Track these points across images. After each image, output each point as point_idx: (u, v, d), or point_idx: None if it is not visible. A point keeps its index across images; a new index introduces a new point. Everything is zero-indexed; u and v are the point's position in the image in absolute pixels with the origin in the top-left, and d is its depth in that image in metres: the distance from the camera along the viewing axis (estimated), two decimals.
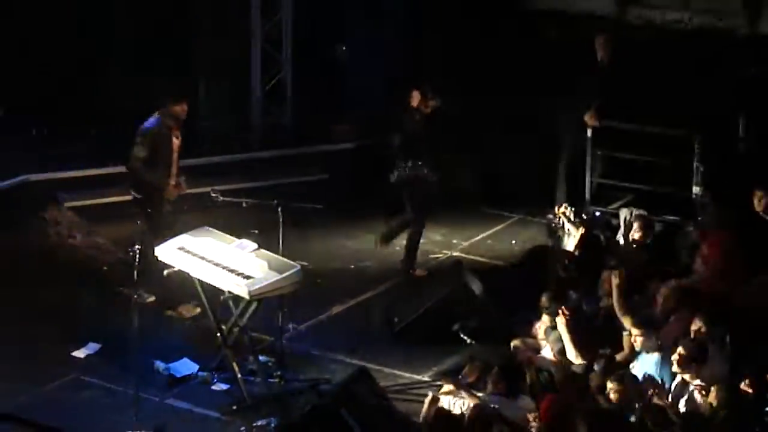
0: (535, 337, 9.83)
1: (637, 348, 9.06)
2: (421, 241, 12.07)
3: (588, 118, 12.51)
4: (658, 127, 12.29)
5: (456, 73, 14.01)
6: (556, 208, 11.31)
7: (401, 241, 11.96)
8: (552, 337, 9.53)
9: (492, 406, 8.47)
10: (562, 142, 12.93)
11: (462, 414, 8.50)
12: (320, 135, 14.33)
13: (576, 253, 10.80)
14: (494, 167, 13.68)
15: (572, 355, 9.23)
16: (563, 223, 11.22)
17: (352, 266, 12.00)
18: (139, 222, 10.76)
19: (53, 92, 13.81)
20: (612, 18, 13.19)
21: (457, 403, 8.69)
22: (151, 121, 10.78)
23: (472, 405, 8.48)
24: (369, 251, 12.16)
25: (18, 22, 13.79)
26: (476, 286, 10.45)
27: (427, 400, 8.69)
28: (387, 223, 12.07)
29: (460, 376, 9.06)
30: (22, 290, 11.12)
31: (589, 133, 12.55)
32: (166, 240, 9.91)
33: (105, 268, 11.57)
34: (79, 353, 10.02)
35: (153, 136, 10.71)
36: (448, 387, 8.88)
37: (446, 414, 8.48)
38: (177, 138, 10.85)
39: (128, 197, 12.64)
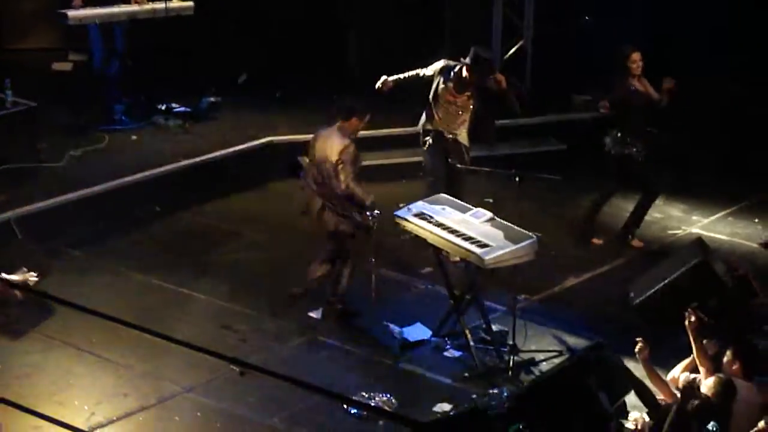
0: None
1: None
2: (658, 215, 11.85)
3: None
4: None
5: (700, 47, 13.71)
6: None
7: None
8: None
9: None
10: None
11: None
12: (560, 104, 14.20)
13: None
14: (738, 144, 13.32)
15: None
16: None
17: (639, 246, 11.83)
18: None
19: (300, 55, 14.11)
20: None
21: (692, 378, 8.46)
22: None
23: (712, 379, 8.19)
24: (606, 225, 12.00)
25: None
26: (718, 265, 10.17)
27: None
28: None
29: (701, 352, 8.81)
30: (263, 249, 11.43)
31: None
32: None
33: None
34: (317, 314, 10.19)
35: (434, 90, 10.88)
36: (684, 362, 8.67)
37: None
38: (454, 96, 10.87)
39: (367, 162, 12.95)
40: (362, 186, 9.77)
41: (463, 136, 10.97)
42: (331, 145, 9.71)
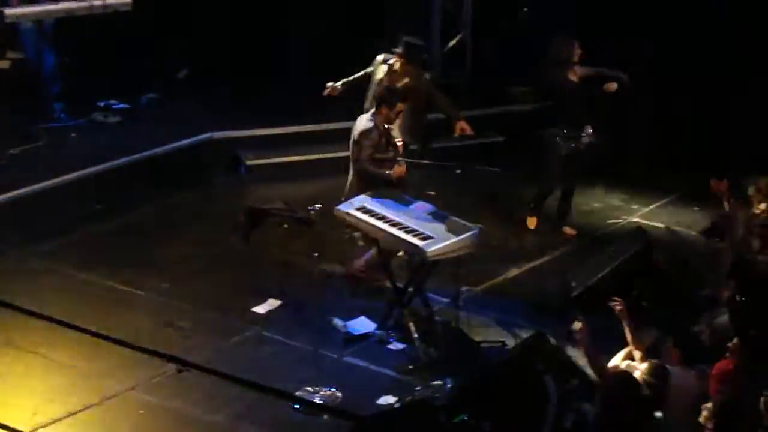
0: None
1: None
2: (598, 205, 12.01)
3: None
4: None
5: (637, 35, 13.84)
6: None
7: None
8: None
9: None
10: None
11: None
12: (498, 97, 14.27)
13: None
14: (679, 133, 13.46)
15: None
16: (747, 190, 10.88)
17: (532, 228, 11.94)
18: None
19: (240, 51, 14.07)
20: None
21: (630, 368, 8.53)
22: None
23: (645, 365, 8.26)
24: (545, 215, 12.08)
25: None
26: (659, 254, 10.29)
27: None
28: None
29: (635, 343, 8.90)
30: (205, 245, 11.41)
31: None
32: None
33: (285, 226, 11.74)
34: (260, 309, 10.18)
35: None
36: (623, 352, 8.74)
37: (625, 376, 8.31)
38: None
39: (309, 156, 13.00)
40: (384, 166, 10.07)
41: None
42: (358, 126, 10.21)
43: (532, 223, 11.91)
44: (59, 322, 6.24)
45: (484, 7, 14.50)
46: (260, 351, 9.60)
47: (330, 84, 10.88)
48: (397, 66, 10.81)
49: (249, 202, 11.96)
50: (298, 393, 8.77)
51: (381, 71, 10.91)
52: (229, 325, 9.94)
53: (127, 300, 10.30)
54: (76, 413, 8.67)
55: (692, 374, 8.26)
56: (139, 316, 10.01)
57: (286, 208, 10.99)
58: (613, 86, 11.32)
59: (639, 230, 10.96)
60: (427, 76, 11.16)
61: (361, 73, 11.04)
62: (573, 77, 11.36)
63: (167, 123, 13.45)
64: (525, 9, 14.36)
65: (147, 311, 10.13)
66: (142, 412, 8.75)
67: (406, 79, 10.87)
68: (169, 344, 9.32)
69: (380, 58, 11.00)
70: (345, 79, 10.96)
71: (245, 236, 10.90)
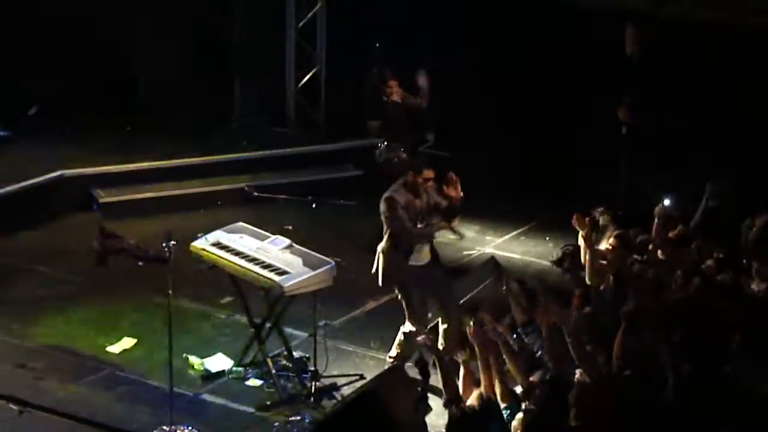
0: None
1: None
2: (453, 236, 12.18)
3: (620, 114, 12.45)
4: (689, 123, 12.34)
5: (490, 73, 14.06)
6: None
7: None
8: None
9: None
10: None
11: None
12: (354, 131, 14.34)
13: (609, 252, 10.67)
14: (528, 165, 13.68)
15: None
16: (598, 221, 11.09)
17: None
18: None
19: (89, 89, 13.91)
20: (645, 14, 13.13)
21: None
22: None
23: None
24: None
25: (51, 18, 13.91)
26: (511, 284, 10.41)
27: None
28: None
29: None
30: (57, 284, 11.21)
31: (623, 129, 12.52)
32: None
33: (140, 264, 11.61)
34: (114, 348, 10.07)
35: None
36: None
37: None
38: None
39: (162, 193, 12.90)
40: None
41: None
42: None
43: None
44: None
45: (338, 42, 14.57)
46: (114, 391, 9.48)
47: None
48: None
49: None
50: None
51: None
52: (82, 365, 9.80)
53: None
54: None
55: None
56: None
57: (138, 246, 10.90)
58: None
59: (492, 261, 11.09)
60: None
61: None
62: (395, 97, 12.00)
63: (18, 160, 13.20)
64: (377, 44, 14.46)
65: None
66: None
67: None
68: (20, 386, 9.16)
69: None
70: None
71: (101, 260, 10.74)
